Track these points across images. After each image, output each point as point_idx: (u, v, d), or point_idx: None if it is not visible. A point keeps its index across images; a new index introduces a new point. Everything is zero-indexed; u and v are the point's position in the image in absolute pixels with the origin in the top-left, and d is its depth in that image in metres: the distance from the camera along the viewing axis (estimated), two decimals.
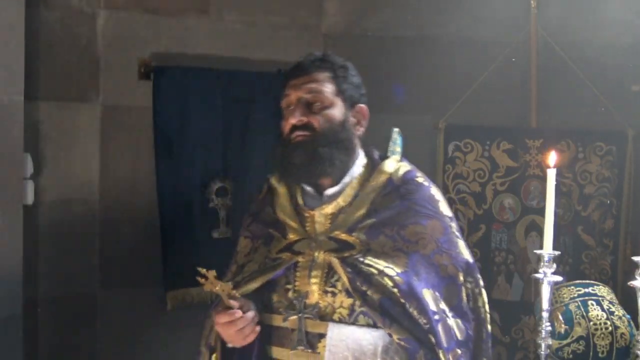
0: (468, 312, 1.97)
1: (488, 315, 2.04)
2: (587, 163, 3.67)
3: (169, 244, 3.48)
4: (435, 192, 2.09)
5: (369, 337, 1.91)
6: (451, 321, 1.92)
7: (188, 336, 3.62)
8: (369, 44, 3.86)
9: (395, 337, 1.87)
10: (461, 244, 2.04)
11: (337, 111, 2.06)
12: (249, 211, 2.28)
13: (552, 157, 2.09)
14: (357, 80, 2.15)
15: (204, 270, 1.88)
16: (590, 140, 3.68)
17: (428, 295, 1.91)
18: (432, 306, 1.90)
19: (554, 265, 2.07)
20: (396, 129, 2.20)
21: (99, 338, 3.42)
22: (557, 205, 3.43)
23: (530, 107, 3.77)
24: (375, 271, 1.92)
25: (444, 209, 2.07)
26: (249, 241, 2.20)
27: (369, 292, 1.90)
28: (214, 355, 2.07)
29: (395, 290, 1.89)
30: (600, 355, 2.88)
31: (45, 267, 3.24)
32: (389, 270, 1.92)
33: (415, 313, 1.88)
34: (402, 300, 1.88)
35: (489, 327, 2.05)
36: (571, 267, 3.66)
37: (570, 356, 2.91)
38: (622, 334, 2.91)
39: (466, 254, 2.03)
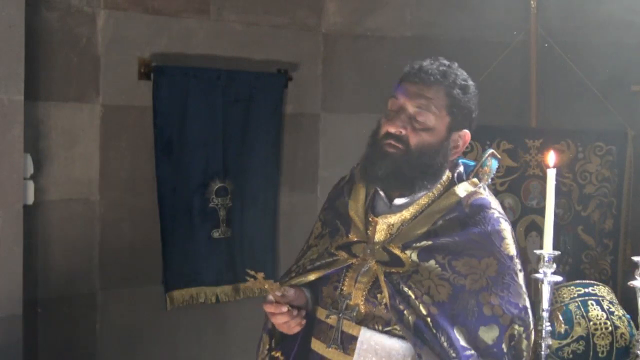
0: (505, 356, 1.91)
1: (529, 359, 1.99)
2: (587, 163, 3.67)
3: (169, 244, 3.48)
4: (504, 228, 1.97)
5: (398, 347, 1.92)
6: None
7: (188, 336, 3.65)
8: (369, 44, 3.86)
9: (424, 359, 1.87)
10: (516, 287, 1.94)
11: (437, 135, 1.97)
12: (329, 195, 2.26)
13: (551, 157, 2.08)
14: (470, 104, 2.02)
15: (253, 272, 1.91)
16: (590, 140, 3.68)
17: (459, 332, 1.88)
18: (462, 342, 1.87)
19: (554, 265, 2.07)
20: (490, 150, 2.09)
21: (99, 338, 3.42)
22: (557, 205, 3.44)
23: (530, 107, 3.77)
24: (412, 295, 1.90)
25: (508, 246, 1.95)
26: (321, 225, 2.21)
27: (405, 312, 1.89)
28: (273, 340, 2.16)
29: (428, 319, 1.88)
30: (600, 355, 2.89)
31: (45, 267, 3.24)
32: (427, 298, 1.90)
33: (445, 344, 1.86)
34: (434, 330, 1.87)
35: None
36: (571, 267, 3.66)
37: (570, 356, 2.91)
38: (622, 334, 2.91)
39: (518, 298, 1.94)
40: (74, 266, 3.34)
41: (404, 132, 1.95)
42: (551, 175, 2.06)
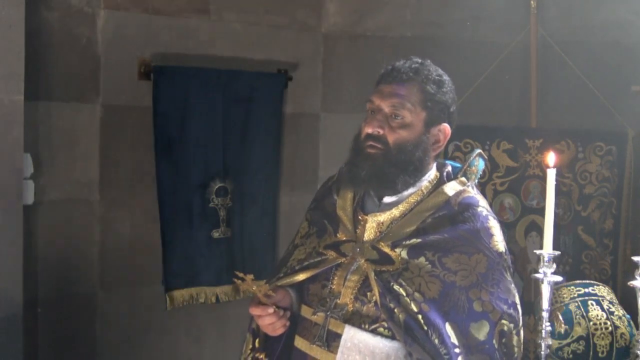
0: (497, 352, 1.92)
1: (520, 355, 1.99)
2: (587, 163, 3.67)
3: (169, 244, 3.48)
4: (493, 225, 2.01)
5: (382, 347, 1.93)
6: (474, 357, 1.89)
7: (188, 336, 3.65)
8: (369, 44, 3.86)
9: (415, 356, 1.89)
10: (505, 283, 1.97)
11: (415, 130, 2.01)
12: (316, 194, 2.29)
13: (551, 157, 2.08)
14: (446, 97, 2.06)
15: (241, 274, 1.95)
16: (590, 140, 3.68)
17: (450, 329, 1.89)
18: (453, 339, 1.88)
19: (554, 265, 2.07)
20: (478, 150, 2.14)
21: (99, 338, 3.42)
22: (557, 205, 3.43)
23: (530, 107, 3.77)
24: (404, 293, 1.92)
25: (497, 243, 1.98)
26: (307, 224, 2.24)
27: (396, 310, 1.91)
28: (257, 340, 2.20)
29: (419, 316, 1.89)
30: (600, 355, 2.89)
31: (45, 267, 3.24)
32: (418, 295, 1.91)
33: (436, 341, 1.87)
34: (425, 328, 1.88)
35: None
36: (571, 267, 3.66)
37: (570, 356, 2.91)
38: (622, 334, 2.91)
39: (508, 294, 1.97)
40: (74, 266, 3.34)
41: (381, 131, 2.00)
42: (551, 175, 2.06)
